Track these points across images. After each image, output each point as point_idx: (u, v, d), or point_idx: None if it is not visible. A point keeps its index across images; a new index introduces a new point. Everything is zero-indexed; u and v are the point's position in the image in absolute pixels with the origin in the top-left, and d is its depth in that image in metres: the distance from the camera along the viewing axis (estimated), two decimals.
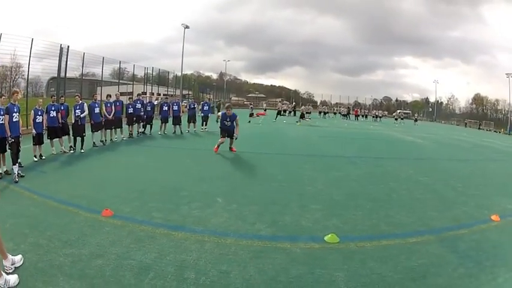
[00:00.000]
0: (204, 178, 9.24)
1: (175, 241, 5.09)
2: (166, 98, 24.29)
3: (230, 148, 14.39)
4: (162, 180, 8.81)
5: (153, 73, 46.01)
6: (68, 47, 24.60)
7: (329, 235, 5.68)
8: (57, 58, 23.75)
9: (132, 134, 16.90)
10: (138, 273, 4.11)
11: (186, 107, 24.53)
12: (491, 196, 9.85)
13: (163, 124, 19.21)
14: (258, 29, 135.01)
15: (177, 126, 19.65)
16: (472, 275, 4.85)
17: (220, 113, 15.81)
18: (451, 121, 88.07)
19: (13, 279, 3.91)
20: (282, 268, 4.56)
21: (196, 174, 9.73)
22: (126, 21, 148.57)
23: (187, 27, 51.00)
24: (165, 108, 19.59)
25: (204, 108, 23.18)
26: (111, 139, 15.03)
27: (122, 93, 31.98)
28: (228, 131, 14.31)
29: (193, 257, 4.64)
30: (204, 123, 22.19)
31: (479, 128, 71.72)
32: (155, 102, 25.33)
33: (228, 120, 14.23)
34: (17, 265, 4.09)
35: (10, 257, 4.08)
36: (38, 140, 10.56)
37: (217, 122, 15.42)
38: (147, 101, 19.93)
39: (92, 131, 13.73)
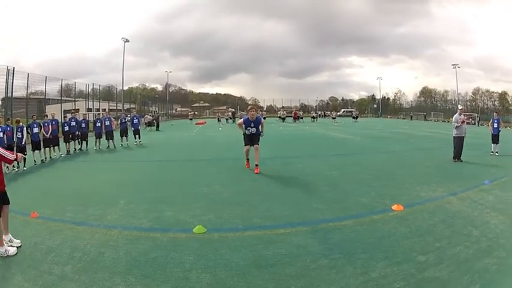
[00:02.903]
0: (117, 185, 10.58)
1: (76, 233, 6.41)
2: (99, 114, 25.56)
3: (256, 166, 12.30)
4: (82, 188, 10.15)
5: (94, 88, 46.73)
6: (14, 68, 26.38)
7: (197, 226, 6.52)
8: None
9: (69, 151, 18.08)
10: (45, 253, 5.51)
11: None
12: (404, 185, 10.31)
13: (97, 140, 20.29)
14: (202, 38, 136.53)
15: (110, 140, 20.74)
16: (335, 267, 5.01)
17: (242, 119, 13.06)
18: (398, 115, 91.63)
19: (12, 250, 5.57)
20: (144, 251, 5.56)
21: (113, 182, 11.08)
22: (73, 36, 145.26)
23: (127, 41, 52.10)
24: (98, 124, 20.75)
25: (134, 122, 24.23)
26: (50, 157, 16.11)
27: (67, 111, 33.19)
28: (252, 140, 12.66)
29: (84, 243, 5.90)
30: (137, 136, 23.43)
31: (425, 120, 75.38)
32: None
33: (252, 126, 12.52)
34: (14, 245, 5.72)
35: (10, 235, 5.87)
36: None
37: (243, 137, 12.73)
38: (81, 119, 20.77)
39: (32, 150, 14.90)
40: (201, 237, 6.22)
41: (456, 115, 15.82)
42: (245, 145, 12.74)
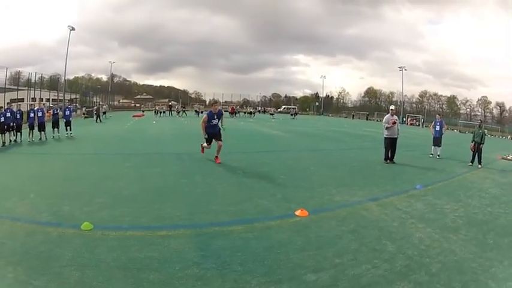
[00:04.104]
0: (35, 178, 10.56)
1: None
2: (32, 104, 25.32)
3: (216, 157, 13.47)
4: (5, 181, 10.19)
5: (40, 77, 46.54)
6: None
7: (84, 223, 6.45)
8: None
9: (4, 142, 17.89)
10: None
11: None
12: (320, 187, 9.78)
13: (31, 131, 19.91)
14: (151, 30, 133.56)
15: (42, 132, 20.47)
16: (202, 278, 4.66)
17: (205, 114, 13.91)
18: (340, 114, 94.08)
19: None
20: (35, 245, 5.67)
21: (32, 175, 11.06)
22: (23, 22, 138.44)
23: (73, 29, 51.56)
24: (31, 115, 20.41)
25: (66, 113, 23.83)
26: None
27: (12, 100, 32.65)
28: (214, 134, 13.40)
29: None
30: (68, 128, 23.03)
31: (367, 119, 77.55)
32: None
33: (215, 117, 13.40)
34: None
35: None
36: None
37: (205, 139, 13.55)
38: (16, 109, 20.44)
39: None
40: (86, 234, 6.18)
41: (387, 115, 15.63)
42: (207, 143, 13.61)
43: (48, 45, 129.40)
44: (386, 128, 15.37)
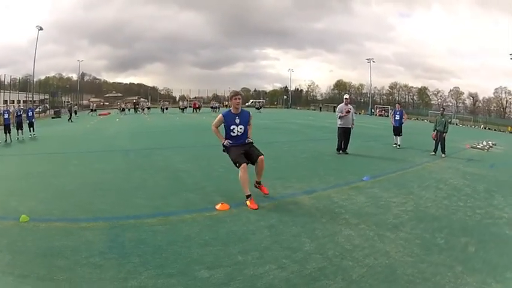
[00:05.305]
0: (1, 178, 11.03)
1: None
2: None
3: (258, 184, 8.39)
4: None
5: (5, 79, 48.11)
6: None
7: (22, 216, 6.84)
8: None
9: None
10: None
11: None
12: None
13: None
14: (120, 26, 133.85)
15: (8, 134, 21.25)
16: (100, 267, 4.87)
17: (220, 115, 8.23)
18: (309, 107, 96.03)
19: None
20: None
21: None
22: None
23: (41, 29, 52.19)
24: None
25: (29, 114, 24.35)
26: None
27: None
28: (249, 153, 8.03)
29: None
30: (31, 129, 23.81)
31: (334, 111, 78.93)
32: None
33: (237, 122, 8.01)
34: None
35: None
36: None
37: (230, 154, 8.05)
38: None
39: None
40: (22, 225, 6.58)
41: (341, 105, 15.20)
42: (240, 164, 7.70)
43: (21, 46, 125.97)
44: (340, 118, 15.02)
